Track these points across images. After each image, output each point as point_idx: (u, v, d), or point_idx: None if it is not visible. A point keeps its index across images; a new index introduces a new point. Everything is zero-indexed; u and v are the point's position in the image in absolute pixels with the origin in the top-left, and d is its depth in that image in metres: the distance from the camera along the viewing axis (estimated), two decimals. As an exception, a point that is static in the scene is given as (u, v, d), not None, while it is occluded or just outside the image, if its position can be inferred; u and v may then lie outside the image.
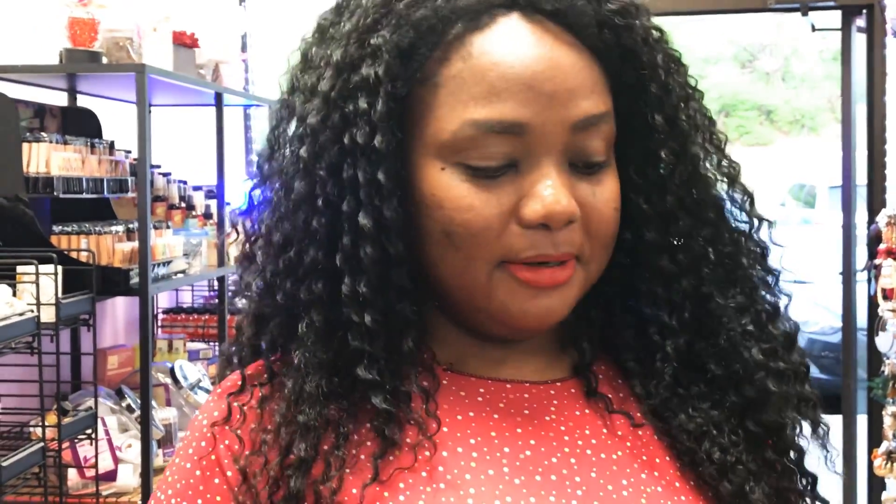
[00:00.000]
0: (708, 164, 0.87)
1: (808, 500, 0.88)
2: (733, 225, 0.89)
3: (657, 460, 0.84)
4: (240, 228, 0.90)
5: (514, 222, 0.79)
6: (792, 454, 0.87)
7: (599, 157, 0.81)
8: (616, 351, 0.89)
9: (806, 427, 0.88)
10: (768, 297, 0.89)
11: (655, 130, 0.84)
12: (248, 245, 0.88)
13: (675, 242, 0.86)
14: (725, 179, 0.88)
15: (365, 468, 0.78)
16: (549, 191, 0.78)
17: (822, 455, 0.89)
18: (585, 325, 0.89)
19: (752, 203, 0.90)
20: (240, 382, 0.85)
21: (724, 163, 0.88)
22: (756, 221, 0.89)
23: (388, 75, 0.78)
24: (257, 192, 0.87)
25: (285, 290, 0.82)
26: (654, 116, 0.84)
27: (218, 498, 0.81)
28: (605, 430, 0.85)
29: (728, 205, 0.89)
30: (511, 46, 0.78)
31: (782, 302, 0.90)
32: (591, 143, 0.80)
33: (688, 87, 0.87)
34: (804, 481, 0.88)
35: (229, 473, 0.81)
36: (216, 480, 0.82)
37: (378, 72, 0.78)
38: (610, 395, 0.86)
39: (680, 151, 0.85)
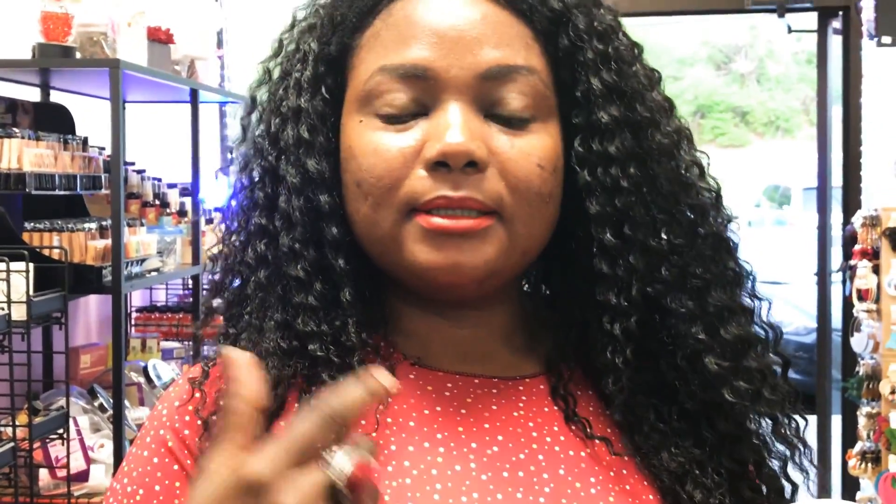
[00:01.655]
0: (662, 137, 0.83)
1: None
2: (691, 207, 0.85)
3: (625, 459, 0.83)
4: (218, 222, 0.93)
5: (419, 166, 0.79)
6: (768, 487, 0.86)
7: (518, 111, 0.80)
8: (595, 373, 0.86)
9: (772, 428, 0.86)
10: (734, 292, 0.85)
11: (593, 95, 0.82)
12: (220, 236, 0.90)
13: (621, 215, 0.82)
14: (684, 159, 0.85)
15: None
16: (449, 130, 0.78)
17: (798, 455, 0.87)
18: (559, 329, 0.87)
19: (718, 193, 0.87)
20: (201, 370, 0.84)
21: (686, 143, 0.85)
22: (717, 212, 0.86)
23: (318, 42, 0.84)
24: (233, 179, 0.90)
25: (240, 258, 0.85)
26: (590, 80, 0.82)
27: (177, 483, 0.80)
28: (573, 427, 0.84)
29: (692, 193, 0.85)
30: (427, 4, 0.81)
31: (760, 303, 0.88)
32: (505, 94, 0.80)
33: (635, 58, 0.85)
34: None
35: (188, 461, 0.80)
36: (175, 466, 0.81)
37: (311, 44, 0.85)
38: (587, 416, 0.84)
39: (621, 118, 0.82)
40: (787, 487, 0.86)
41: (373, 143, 0.80)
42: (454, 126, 0.78)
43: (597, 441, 0.83)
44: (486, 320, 0.85)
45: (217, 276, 0.89)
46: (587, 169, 0.82)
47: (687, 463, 0.82)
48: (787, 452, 0.86)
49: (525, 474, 0.79)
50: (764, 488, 0.85)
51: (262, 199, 0.85)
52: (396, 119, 0.80)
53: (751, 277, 0.87)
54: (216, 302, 0.88)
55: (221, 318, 0.88)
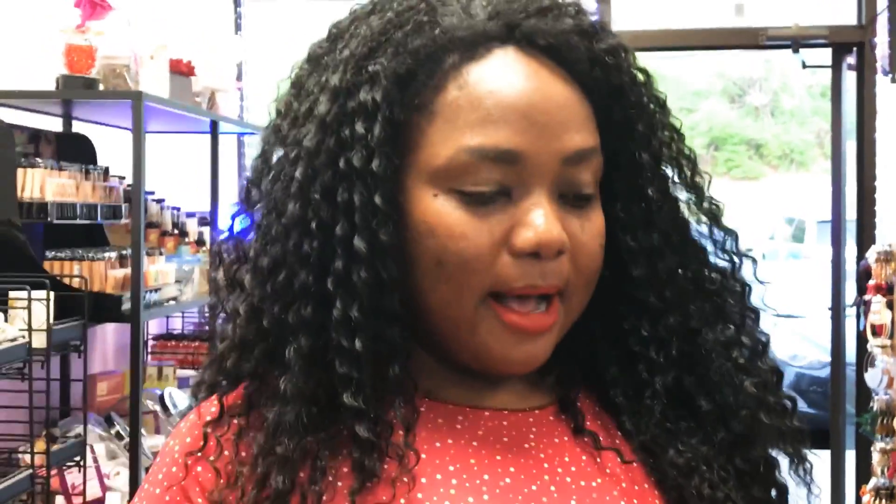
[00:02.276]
0: (686, 203, 0.89)
1: None
2: (714, 263, 0.90)
3: (636, 487, 0.84)
4: (224, 254, 0.89)
5: (505, 252, 0.79)
6: (776, 490, 0.88)
7: (588, 189, 0.82)
8: (602, 384, 0.89)
9: (787, 463, 0.89)
10: (755, 333, 0.90)
11: (643, 168, 0.85)
12: (232, 270, 0.87)
13: (663, 279, 0.86)
14: (707, 218, 0.89)
15: (342, 502, 0.77)
16: (541, 219, 0.78)
17: (806, 492, 0.89)
18: (567, 355, 0.88)
19: (736, 241, 0.91)
20: (218, 413, 0.83)
21: (706, 203, 0.89)
22: (739, 259, 0.91)
23: (385, 100, 0.79)
24: (241, 217, 0.88)
25: (273, 314, 0.81)
26: (642, 154, 0.85)
27: None
28: (584, 457, 0.84)
29: (711, 245, 0.90)
30: (506, 77, 0.79)
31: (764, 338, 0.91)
32: (581, 177, 0.81)
33: (672, 128, 0.88)
34: None
35: (199, 501, 0.80)
36: None
37: (376, 97, 0.79)
38: (595, 430, 0.86)
39: (666, 189, 0.86)
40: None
41: (459, 226, 0.78)
42: (546, 217, 0.78)
43: (606, 451, 0.85)
44: None
45: (239, 334, 0.84)
46: (630, 235, 0.85)
47: (693, 459, 0.84)
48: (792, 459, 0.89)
49: None
50: (773, 492, 0.88)
51: (311, 257, 0.79)
52: (479, 199, 0.79)
53: (756, 315, 0.92)
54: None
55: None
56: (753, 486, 0.86)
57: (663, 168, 0.86)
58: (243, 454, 0.80)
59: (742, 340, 0.88)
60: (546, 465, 0.83)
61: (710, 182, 0.90)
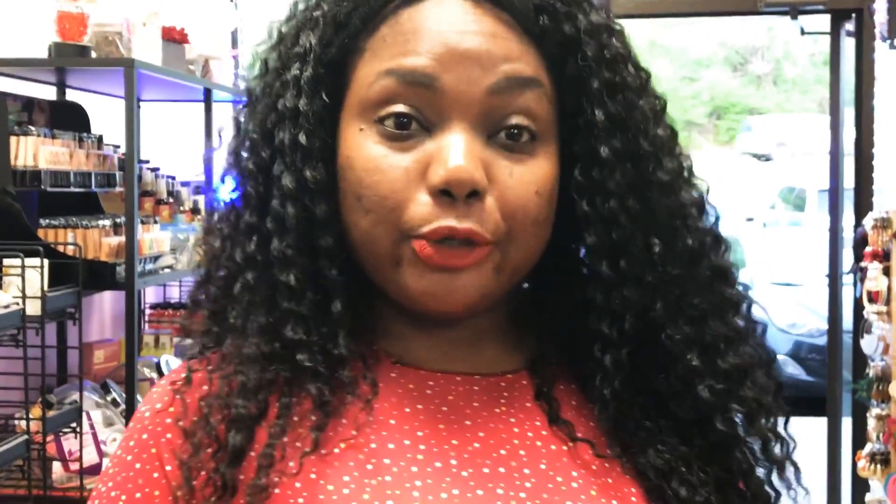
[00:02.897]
0: (663, 172, 0.83)
1: None
2: (690, 241, 0.83)
3: (610, 453, 0.82)
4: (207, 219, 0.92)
5: (423, 190, 0.77)
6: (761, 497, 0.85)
7: (519, 121, 0.78)
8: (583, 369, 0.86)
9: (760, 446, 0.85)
10: (732, 320, 0.85)
11: (596, 126, 0.81)
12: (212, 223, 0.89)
13: (618, 248, 0.81)
14: (685, 193, 0.84)
15: (307, 440, 0.77)
16: (453, 154, 0.76)
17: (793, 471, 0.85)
18: (544, 322, 0.87)
19: (716, 222, 0.86)
20: (184, 374, 0.83)
21: (686, 174, 0.85)
22: (713, 239, 0.85)
23: (320, 43, 0.81)
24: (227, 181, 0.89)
25: (229, 255, 0.84)
26: (595, 111, 0.81)
27: (156, 492, 0.79)
28: (555, 426, 0.83)
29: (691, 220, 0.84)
30: (437, 13, 0.79)
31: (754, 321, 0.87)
32: (510, 107, 0.78)
33: (642, 88, 0.83)
34: None
35: (168, 468, 0.79)
36: (155, 475, 0.80)
37: (312, 40, 0.81)
38: (572, 416, 0.84)
39: (623, 152, 0.81)
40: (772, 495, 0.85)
41: (375, 159, 0.78)
42: (460, 151, 0.76)
43: (580, 442, 0.82)
44: (471, 321, 0.84)
45: (203, 270, 0.88)
46: (586, 199, 0.81)
47: (673, 460, 0.81)
48: (774, 467, 0.85)
49: (506, 470, 0.79)
50: (750, 495, 0.84)
51: (254, 198, 0.82)
52: (398, 132, 0.78)
53: (747, 302, 0.87)
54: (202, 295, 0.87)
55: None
56: (731, 493, 0.83)
57: (624, 128, 0.81)
58: (213, 414, 0.79)
59: (705, 336, 0.83)
60: (516, 430, 0.82)
61: (689, 159, 0.86)
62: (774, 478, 0.86)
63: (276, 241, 0.80)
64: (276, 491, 0.75)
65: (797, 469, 0.85)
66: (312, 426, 0.77)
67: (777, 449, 0.85)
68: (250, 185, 0.83)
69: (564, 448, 0.81)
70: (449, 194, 0.76)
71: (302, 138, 0.80)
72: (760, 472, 0.85)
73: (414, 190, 0.77)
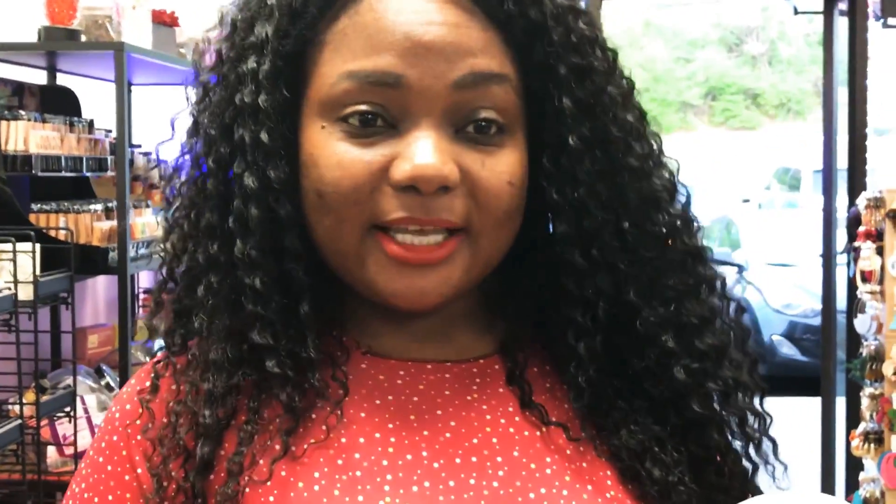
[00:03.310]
0: (633, 157, 0.81)
1: None
2: (663, 224, 0.82)
3: (583, 436, 0.81)
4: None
5: (385, 185, 0.75)
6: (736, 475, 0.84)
7: (488, 115, 0.77)
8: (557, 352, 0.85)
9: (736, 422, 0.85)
10: (706, 300, 0.84)
11: (564, 114, 0.79)
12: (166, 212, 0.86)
13: (588, 236, 0.80)
14: (656, 176, 0.82)
15: (276, 443, 0.76)
16: (421, 151, 0.74)
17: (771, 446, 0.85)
18: (515, 305, 0.85)
19: (688, 202, 0.84)
20: (148, 382, 0.82)
21: (657, 157, 0.83)
22: (684, 220, 0.84)
23: (276, 34, 0.78)
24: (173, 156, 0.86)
25: (191, 255, 0.81)
26: (563, 98, 0.79)
27: (128, 495, 0.79)
28: (527, 410, 0.82)
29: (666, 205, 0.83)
30: (398, 3, 0.76)
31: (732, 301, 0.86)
32: (478, 103, 0.76)
33: (610, 72, 0.81)
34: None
35: (139, 471, 0.79)
36: (126, 477, 0.79)
37: (268, 31, 0.78)
38: (545, 399, 0.83)
39: (592, 139, 0.79)
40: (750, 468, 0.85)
41: (337, 155, 0.75)
42: (426, 147, 0.74)
43: (553, 426, 0.81)
44: (442, 309, 0.82)
45: (164, 271, 0.85)
46: (555, 188, 0.80)
47: (646, 441, 0.80)
48: (752, 443, 0.84)
49: (478, 459, 0.78)
50: (727, 471, 0.83)
51: (214, 196, 0.79)
52: (363, 129, 0.76)
53: (721, 282, 0.85)
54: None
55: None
56: (708, 470, 0.82)
57: (592, 115, 0.80)
58: (180, 423, 0.79)
59: (680, 319, 0.82)
60: (488, 417, 0.81)
61: (660, 141, 0.85)
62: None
63: (240, 242, 0.77)
64: (246, 490, 0.75)
65: (774, 444, 0.85)
66: (282, 430, 0.76)
67: (754, 424, 0.85)
68: (210, 182, 0.79)
69: (538, 433, 0.81)
70: (415, 190, 0.75)
71: (264, 136, 0.77)
72: (738, 447, 0.85)
73: (378, 185, 0.75)
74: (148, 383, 0.82)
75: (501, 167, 0.77)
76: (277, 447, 0.76)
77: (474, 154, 0.76)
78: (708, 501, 0.79)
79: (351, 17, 0.77)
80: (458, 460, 0.78)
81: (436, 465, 0.77)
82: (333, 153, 0.76)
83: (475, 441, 0.79)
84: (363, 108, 0.76)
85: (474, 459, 0.78)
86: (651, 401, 0.82)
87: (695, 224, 0.84)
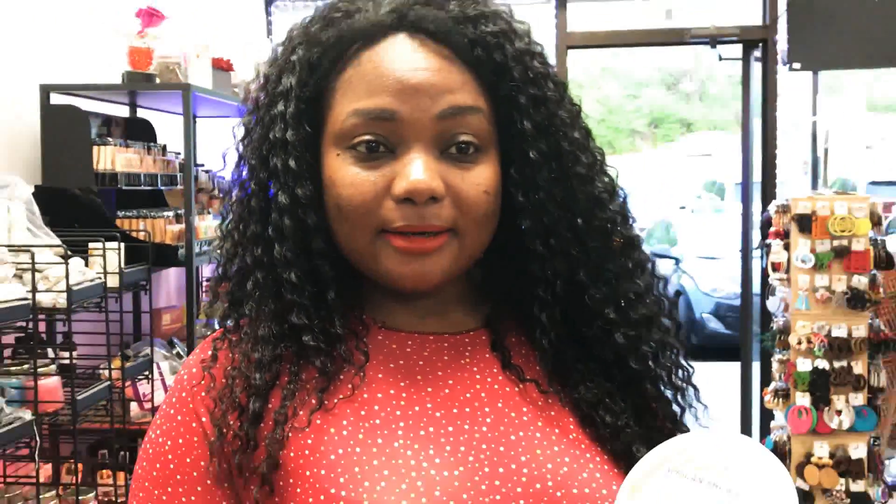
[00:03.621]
0: (580, 166, 0.82)
1: None
2: (605, 219, 0.84)
3: (551, 390, 0.82)
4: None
5: (388, 198, 0.77)
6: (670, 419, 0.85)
7: (467, 139, 0.78)
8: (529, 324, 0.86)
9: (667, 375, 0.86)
10: (640, 279, 0.85)
11: (525, 135, 0.80)
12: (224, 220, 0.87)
13: (547, 230, 0.82)
14: (599, 181, 0.84)
15: (312, 399, 0.77)
16: (414, 170, 0.76)
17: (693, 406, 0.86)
18: (497, 288, 0.86)
19: (625, 202, 0.86)
20: (210, 352, 0.82)
21: (600, 166, 0.85)
22: (622, 216, 0.85)
23: (298, 84, 0.80)
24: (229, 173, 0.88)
25: (241, 257, 0.82)
26: (524, 122, 0.80)
27: (195, 438, 0.79)
28: (507, 371, 0.83)
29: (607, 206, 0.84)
30: (390, 55, 0.78)
31: (665, 282, 0.88)
32: (458, 129, 0.78)
33: (560, 100, 0.83)
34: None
35: (203, 420, 0.79)
36: (193, 424, 0.79)
37: (292, 81, 0.80)
38: (520, 362, 0.84)
39: (548, 153, 0.81)
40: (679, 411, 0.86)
41: (349, 177, 0.77)
42: (418, 168, 0.76)
43: (527, 383, 0.82)
44: (440, 290, 0.84)
45: (220, 270, 0.86)
46: (521, 192, 0.81)
47: (600, 393, 0.82)
48: (679, 393, 0.86)
49: (470, 409, 0.79)
50: (661, 415, 0.85)
51: (257, 211, 0.81)
52: (369, 155, 0.77)
53: (651, 263, 0.87)
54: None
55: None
56: (647, 416, 0.83)
57: (547, 133, 0.81)
58: (236, 385, 0.79)
59: (619, 295, 0.83)
60: (478, 377, 0.82)
61: (602, 153, 0.86)
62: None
63: (278, 246, 0.79)
64: (289, 435, 0.76)
65: (696, 390, 0.87)
66: (317, 389, 0.78)
67: (680, 375, 0.86)
68: (253, 201, 0.82)
69: (516, 389, 0.82)
70: (411, 201, 0.76)
71: (292, 163, 0.79)
72: (669, 395, 0.86)
73: (382, 199, 0.77)
74: (209, 352, 0.82)
75: (479, 180, 0.79)
76: (314, 401, 0.77)
77: (456, 170, 0.78)
78: (647, 440, 0.79)
79: (355, 68, 0.79)
80: (455, 410, 0.79)
81: (437, 414, 0.78)
82: (346, 175, 0.78)
83: (468, 395, 0.80)
84: (367, 138, 0.77)
85: (467, 410, 0.79)
86: (601, 362, 0.84)
87: (630, 219, 0.86)
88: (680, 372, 0.86)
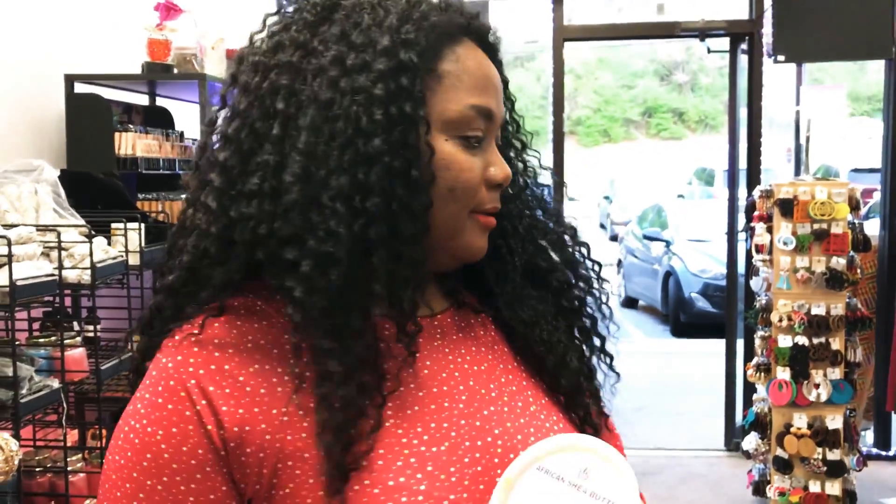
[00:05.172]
0: (518, 160, 0.92)
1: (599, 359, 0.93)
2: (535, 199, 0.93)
3: (502, 346, 0.87)
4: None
5: (483, 183, 0.81)
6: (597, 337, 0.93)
7: (499, 143, 0.86)
8: (480, 286, 0.90)
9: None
10: (568, 248, 0.94)
11: (507, 141, 0.90)
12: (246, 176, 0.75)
13: (516, 211, 0.90)
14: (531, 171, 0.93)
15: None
16: (503, 162, 0.82)
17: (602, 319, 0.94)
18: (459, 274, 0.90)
19: (556, 189, 0.96)
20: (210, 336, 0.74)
21: (534, 161, 0.94)
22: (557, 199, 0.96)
23: (420, 60, 0.75)
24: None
25: (324, 235, 0.72)
26: (507, 128, 0.90)
27: (190, 427, 0.71)
28: (472, 334, 0.86)
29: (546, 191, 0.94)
30: (479, 57, 0.81)
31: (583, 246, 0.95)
32: (497, 135, 0.85)
33: (515, 112, 0.92)
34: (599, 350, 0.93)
35: (199, 406, 0.71)
36: (187, 413, 0.71)
37: (414, 58, 0.75)
38: (482, 334, 0.88)
39: (514, 156, 0.91)
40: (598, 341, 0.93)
41: (468, 162, 0.78)
42: (503, 160, 0.82)
43: (491, 360, 0.85)
44: (439, 275, 0.87)
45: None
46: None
47: (535, 315, 0.88)
48: (598, 317, 0.93)
49: (448, 388, 0.81)
50: (592, 335, 0.93)
51: (378, 188, 0.72)
52: (470, 144, 0.79)
53: (573, 231, 0.94)
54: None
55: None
56: (572, 336, 0.91)
57: (515, 140, 0.91)
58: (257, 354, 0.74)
59: (556, 250, 0.92)
60: (450, 357, 0.83)
61: (540, 154, 0.94)
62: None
63: (408, 222, 0.75)
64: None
65: (611, 315, 0.94)
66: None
67: (605, 307, 0.93)
68: (374, 173, 0.73)
69: (482, 367, 0.84)
70: (499, 186, 0.82)
71: (418, 141, 0.75)
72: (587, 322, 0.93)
73: (482, 184, 0.81)
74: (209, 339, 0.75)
75: None
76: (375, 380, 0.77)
77: None
78: (579, 360, 0.89)
79: (455, 63, 0.79)
80: (434, 390, 0.79)
81: (420, 394, 0.78)
82: (466, 160, 0.78)
83: (444, 375, 0.81)
84: (478, 132, 0.80)
85: (445, 389, 0.80)
86: (539, 292, 0.91)
87: (558, 204, 0.96)
88: (598, 303, 0.93)
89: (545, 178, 0.95)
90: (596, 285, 0.94)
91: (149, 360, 0.77)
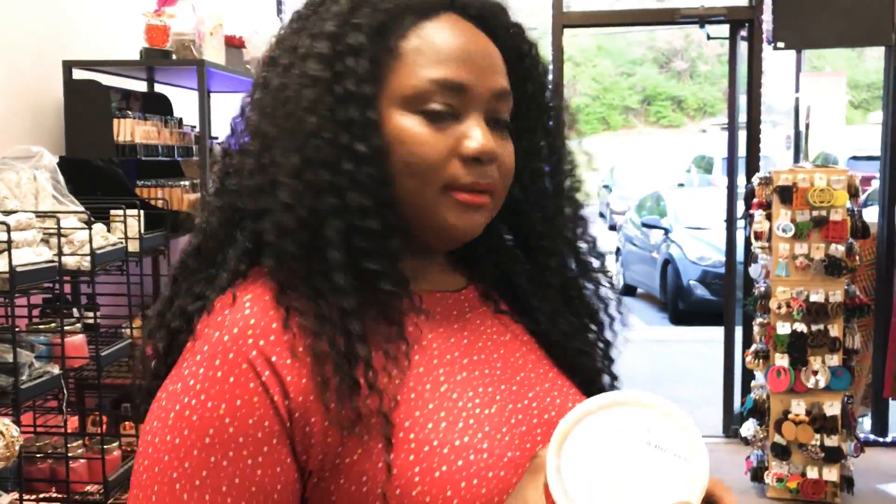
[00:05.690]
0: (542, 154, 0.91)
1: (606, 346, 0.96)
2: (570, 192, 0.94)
3: (523, 336, 0.91)
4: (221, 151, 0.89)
5: (454, 158, 0.79)
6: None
7: (505, 118, 0.84)
8: (503, 277, 0.93)
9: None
10: (586, 235, 0.96)
11: (532, 117, 0.89)
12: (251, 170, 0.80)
13: (540, 193, 0.91)
14: (569, 162, 0.93)
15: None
16: (482, 135, 0.80)
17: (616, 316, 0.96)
18: (479, 251, 0.92)
19: (581, 184, 0.95)
20: (270, 310, 0.75)
21: (564, 154, 0.93)
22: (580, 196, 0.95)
23: (368, 42, 0.78)
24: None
25: (312, 205, 0.76)
26: (530, 106, 0.88)
27: (255, 399, 0.70)
28: (492, 313, 0.90)
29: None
30: (453, 31, 0.81)
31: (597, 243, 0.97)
32: (501, 109, 0.83)
33: (549, 91, 0.90)
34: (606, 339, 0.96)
35: (264, 377, 0.71)
36: (251, 385, 0.71)
37: (361, 40, 0.78)
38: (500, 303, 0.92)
39: (547, 131, 0.90)
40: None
41: (422, 136, 0.78)
42: (485, 133, 0.80)
43: (513, 330, 0.91)
44: (446, 254, 0.89)
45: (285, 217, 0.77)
46: (521, 163, 0.87)
47: (554, 311, 0.92)
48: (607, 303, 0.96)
49: (485, 356, 0.86)
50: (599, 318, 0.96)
51: (329, 162, 0.76)
52: (435, 118, 0.78)
53: (586, 223, 0.95)
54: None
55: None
56: (588, 331, 0.95)
57: (546, 118, 0.90)
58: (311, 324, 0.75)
59: (571, 243, 0.94)
60: (482, 328, 0.87)
61: (566, 138, 0.93)
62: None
63: (356, 195, 0.76)
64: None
65: (621, 301, 0.97)
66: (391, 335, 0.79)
67: (609, 292, 0.96)
68: (324, 151, 0.76)
69: (506, 338, 0.89)
70: (478, 161, 0.80)
71: (371, 115, 0.77)
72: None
73: (450, 158, 0.79)
74: (268, 311, 0.76)
75: (510, 150, 0.84)
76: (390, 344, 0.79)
77: (498, 140, 0.82)
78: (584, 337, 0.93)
79: (421, 38, 0.80)
80: (475, 357, 0.84)
81: (464, 361, 0.83)
82: (420, 134, 0.78)
83: (479, 345, 0.86)
84: (439, 105, 0.79)
85: (483, 356, 0.85)
86: (561, 294, 0.94)
87: (580, 194, 0.95)
88: (606, 292, 0.96)
89: (582, 168, 0.94)
90: (600, 269, 0.96)
91: (185, 332, 0.78)
